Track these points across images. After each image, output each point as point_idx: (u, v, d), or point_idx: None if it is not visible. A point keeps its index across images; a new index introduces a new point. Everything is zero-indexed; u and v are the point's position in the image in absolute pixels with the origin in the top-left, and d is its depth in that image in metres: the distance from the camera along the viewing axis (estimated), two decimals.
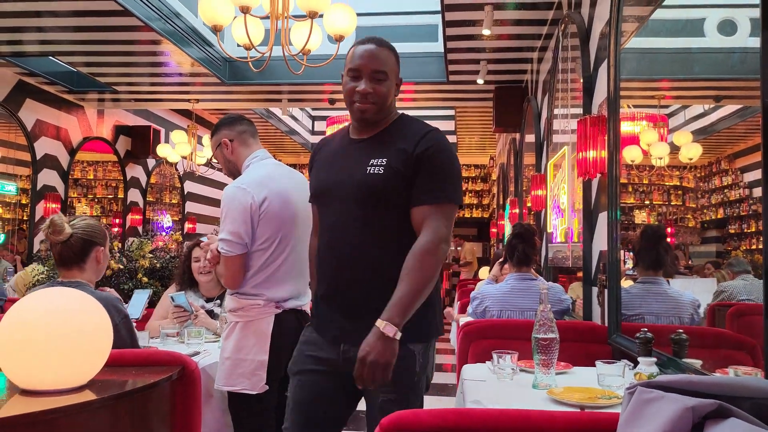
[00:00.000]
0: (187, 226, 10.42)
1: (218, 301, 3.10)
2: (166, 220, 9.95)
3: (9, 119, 6.66)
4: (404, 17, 6.62)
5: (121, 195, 8.80)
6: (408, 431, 1.27)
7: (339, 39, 3.22)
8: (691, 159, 2.27)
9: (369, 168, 1.69)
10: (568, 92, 4.05)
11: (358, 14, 3.45)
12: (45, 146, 7.17)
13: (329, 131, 7.74)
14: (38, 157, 7.03)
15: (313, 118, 12.15)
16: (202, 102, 7.85)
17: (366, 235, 1.69)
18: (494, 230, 10.77)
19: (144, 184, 9.26)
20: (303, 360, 1.79)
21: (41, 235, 2.15)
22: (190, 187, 10.60)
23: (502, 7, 4.61)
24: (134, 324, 2.24)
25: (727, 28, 2.03)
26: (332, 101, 7.44)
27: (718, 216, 2.11)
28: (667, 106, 2.54)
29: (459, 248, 12.39)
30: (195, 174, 9.20)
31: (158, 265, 3.99)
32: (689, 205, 2.35)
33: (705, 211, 2.23)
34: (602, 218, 3.04)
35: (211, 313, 3.01)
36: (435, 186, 1.67)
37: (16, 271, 5.65)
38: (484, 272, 6.77)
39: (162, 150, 8.30)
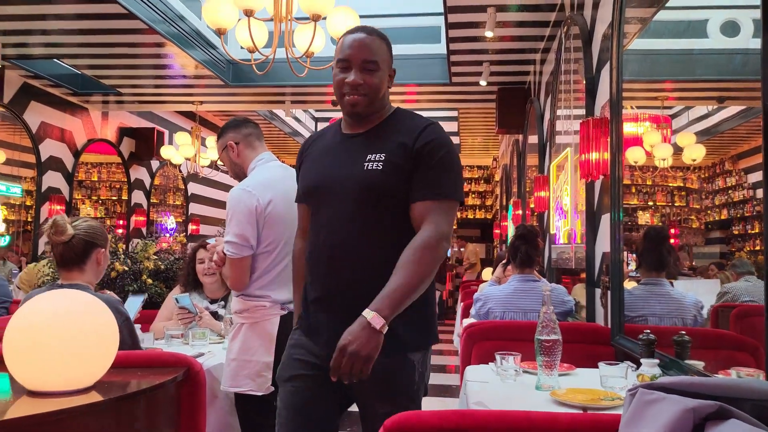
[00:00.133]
0: (191, 227, 10.44)
1: (222, 303, 3.11)
2: (170, 221, 9.97)
3: (14, 121, 6.69)
4: (407, 19, 6.63)
5: (125, 197, 8.83)
6: None
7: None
8: (694, 160, 2.27)
9: (367, 164, 1.61)
10: (570, 93, 4.06)
11: (361, 16, 3.46)
12: (50, 148, 7.20)
13: None
14: (43, 159, 7.06)
15: (316, 120, 12.17)
16: (206, 104, 7.88)
17: (365, 233, 1.61)
18: (497, 231, 10.77)
19: (148, 186, 9.29)
20: (293, 365, 1.70)
21: (46, 236, 2.16)
22: (193, 188, 10.62)
23: (504, 9, 4.62)
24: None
25: (730, 29, 2.04)
26: (335, 103, 7.44)
27: (722, 217, 2.12)
28: (670, 107, 2.54)
29: (462, 249, 12.38)
30: (199, 176, 9.23)
31: (163, 267, 4.01)
32: (693, 206, 2.35)
33: (709, 212, 2.23)
34: (605, 220, 3.04)
35: (215, 315, 3.03)
36: (436, 181, 1.60)
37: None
38: (487, 273, 6.77)
39: (166, 152, 8.33)
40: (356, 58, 1.62)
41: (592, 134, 2.91)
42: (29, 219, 7.09)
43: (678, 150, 2.35)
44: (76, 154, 7.70)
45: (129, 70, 6.34)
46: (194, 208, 10.66)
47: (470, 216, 14.24)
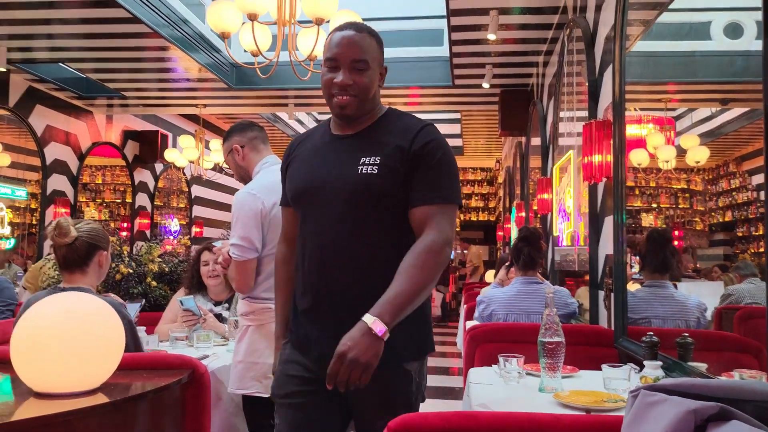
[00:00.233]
0: (195, 230, 10.47)
1: (226, 305, 3.13)
2: (174, 224, 10.00)
3: (19, 125, 6.72)
4: (410, 22, 6.65)
5: (129, 199, 8.86)
6: None
7: None
8: (698, 162, 2.28)
9: (361, 167, 1.54)
10: (573, 95, 4.07)
11: (364, 19, 3.47)
12: (55, 151, 7.23)
13: None
14: (48, 163, 7.10)
15: (319, 123, 12.19)
16: (210, 107, 7.91)
17: (359, 239, 1.54)
18: (500, 234, 10.77)
19: (152, 189, 9.32)
20: (288, 381, 1.61)
21: (49, 238, 2.18)
22: (197, 191, 10.65)
23: (507, 12, 4.63)
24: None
25: (734, 31, 2.04)
26: None
27: (726, 219, 2.12)
28: (674, 109, 2.54)
29: (465, 252, 12.38)
30: (202, 178, 9.26)
31: (167, 270, 4.03)
32: (697, 208, 2.35)
33: (713, 214, 2.23)
34: (608, 222, 3.05)
35: (219, 317, 3.04)
36: (436, 185, 1.54)
37: None
38: (490, 276, 6.77)
39: (170, 154, 8.36)
40: (345, 57, 1.55)
41: (595, 137, 2.92)
42: (34, 222, 7.12)
43: (682, 152, 2.35)
44: (81, 157, 7.73)
45: (133, 73, 6.37)
46: (198, 211, 10.69)
47: (473, 218, 14.24)
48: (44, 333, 1.45)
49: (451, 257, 12.49)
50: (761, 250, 1.88)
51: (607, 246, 3.07)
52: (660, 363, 1.90)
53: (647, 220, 2.76)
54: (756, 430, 0.80)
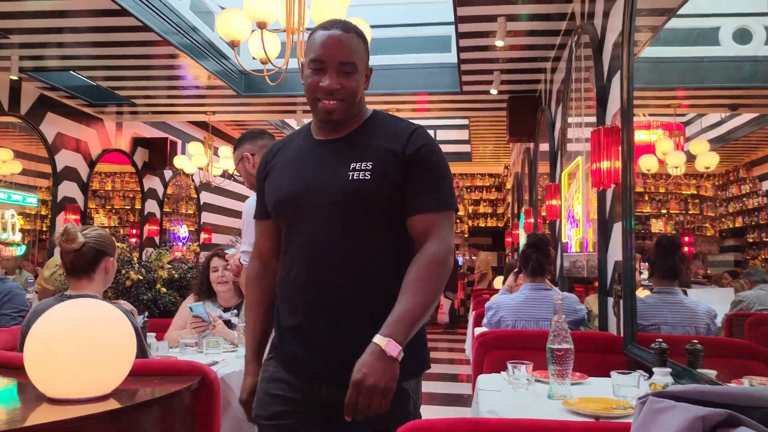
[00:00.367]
0: (203, 236, 10.51)
1: (235, 311, 3.14)
2: (183, 230, 10.05)
3: (31, 132, 6.79)
4: (418, 29, 6.67)
5: (138, 206, 8.91)
6: None
7: None
8: (707, 168, 2.27)
9: (352, 173, 1.45)
10: (581, 101, 4.07)
11: (372, 26, 3.49)
12: (65, 159, 7.30)
13: None
14: (59, 170, 7.16)
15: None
16: (219, 114, 7.96)
17: (354, 249, 1.44)
18: (509, 240, 10.75)
19: (161, 195, 9.38)
20: (272, 401, 1.50)
21: (57, 245, 2.20)
22: (206, 197, 10.71)
23: (515, 19, 4.64)
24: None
25: (743, 36, 2.04)
26: None
27: (736, 225, 2.11)
28: (683, 115, 2.54)
29: (473, 258, 12.36)
30: (211, 185, 9.30)
31: (176, 276, 4.05)
32: (707, 213, 2.34)
33: (723, 219, 2.23)
34: (617, 228, 3.04)
35: (228, 323, 3.06)
36: (434, 191, 1.47)
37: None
38: (498, 282, 6.76)
39: (179, 161, 8.41)
40: (332, 60, 1.45)
41: (603, 143, 2.92)
42: (44, 228, 7.18)
43: (691, 158, 2.35)
44: (91, 164, 7.80)
45: (143, 81, 6.43)
46: (206, 217, 10.74)
47: (481, 224, 14.22)
48: (57, 339, 1.47)
49: (460, 263, 12.52)
50: None
51: (616, 252, 3.06)
52: (669, 370, 1.89)
53: (657, 226, 2.75)
54: None
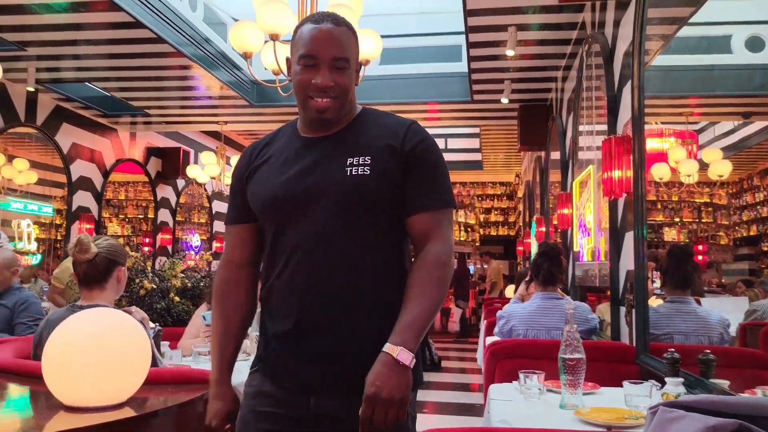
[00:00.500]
0: (215, 245, 10.58)
1: None
2: (195, 239, 10.12)
3: (46, 143, 6.89)
4: (428, 38, 6.71)
5: (151, 215, 9.00)
6: None
7: (365, 63, 3.29)
8: (721, 176, 2.26)
9: (350, 168, 1.37)
10: (593, 110, 4.07)
11: (383, 36, 3.52)
12: (80, 168, 7.39)
13: None
14: (74, 179, 7.25)
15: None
16: (231, 124, 8.03)
17: (353, 251, 1.36)
18: (520, 248, 10.72)
19: (174, 205, 9.46)
20: (259, 419, 1.40)
21: (70, 255, 2.22)
22: (218, 206, 10.78)
23: (525, 28, 4.66)
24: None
25: (754, 44, 2.04)
26: None
27: (751, 233, 2.10)
28: (695, 123, 2.53)
29: (485, 266, 12.33)
30: (223, 194, 9.37)
31: (189, 285, 4.08)
32: (721, 222, 2.33)
33: (736, 228, 2.22)
34: (629, 237, 3.03)
35: None
36: (434, 188, 1.41)
37: None
38: (510, 291, 6.74)
39: (191, 171, 8.49)
40: (325, 55, 1.37)
41: (615, 152, 2.92)
42: (59, 237, 7.27)
43: (704, 166, 2.34)
44: (105, 174, 7.89)
45: (156, 91, 6.51)
46: (219, 226, 10.81)
47: (493, 233, 14.20)
48: (75, 349, 1.49)
49: (471, 272, 12.49)
50: None
51: (628, 261, 3.05)
52: (681, 380, 1.88)
53: (670, 235, 2.74)
54: None
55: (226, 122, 7.86)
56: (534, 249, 7.47)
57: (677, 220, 2.64)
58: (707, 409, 0.88)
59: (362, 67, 3.64)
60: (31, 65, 5.71)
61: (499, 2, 4.25)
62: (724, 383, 1.91)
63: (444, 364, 7.53)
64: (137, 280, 3.74)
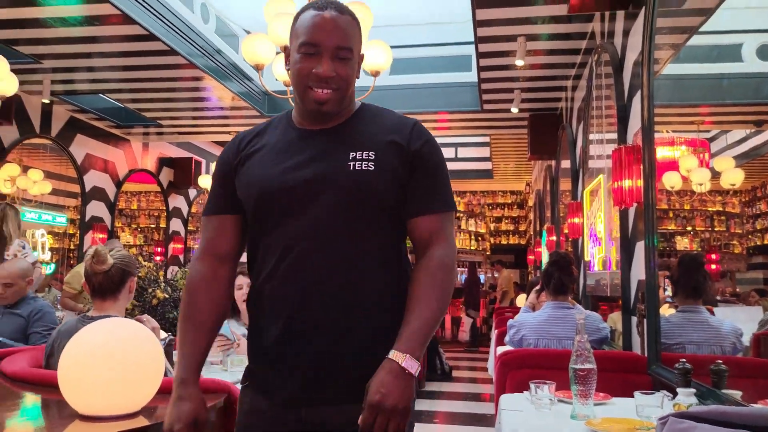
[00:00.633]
0: None
1: None
2: None
3: (61, 153, 6.98)
4: (438, 48, 6.74)
5: (163, 224, 9.06)
6: None
7: (375, 74, 3.32)
8: (733, 184, 2.26)
9: (352, 163, 1.30)
10: (603, 119, 4.07)
11: (393, 47, 3.55)
12: (93, 179, 7.47)
13: None
14: (87, 190, 7.32)
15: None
16: None
17: (353, 249, 1.29)
18: (531, 257, 10.69)
19: (185, 214, 9.52)
20: None
21: (87, 266, 2.24)
22: None
23: (535, 38, 4.67)
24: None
25: (766, 53, 2.04)
26: None
27: (765, 242, 2.09)
28: (707, 131, 2.53)
29: (496, 275, 12.29)
30: None
31: None
32: (734, 230, 2.32)
33: (749, 236, 2.21)
34: (640, 247, 3.03)
35: None
36: (438, 191, 1.36)
37: None
38: (521, 300, 6.72)
39: (203, 181, 8.55)
40: (328, 44, 1.30)
41: (625, 161, 2.92)
42: (72, 247, 7.33)
43: (716, 174, 2.34)
44: (118, 184, 7.97)
45: (169, 102, 6.58)
46: None
47: (503, 241, 14.16)
48: (90, 359, 1.51)
49: (482, 281, 12.45)
50: None
51: (639, 271, 3.04)
52: (693, 390, 1.87)
53: (682, 244, 2.73)
54: None
55: (237, 132, 7.90)
56: (545, 258, 7.45)
57: (689, 229, 2.63)
58: (717, 420, 0.88)
59: (373, 77, 3.69)
60: (47, 77, 5.80)
61: (508, 13, 4.27)
62: (737, 394, 1.90)
63: (455, 373, 7.51)
64: (150, 290, 3.77)
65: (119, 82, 5.97)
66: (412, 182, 1.34)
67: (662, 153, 2.74)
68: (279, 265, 1.30)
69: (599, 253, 4.19)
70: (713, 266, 2.46)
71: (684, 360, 2.00)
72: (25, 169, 6.62)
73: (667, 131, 2.79)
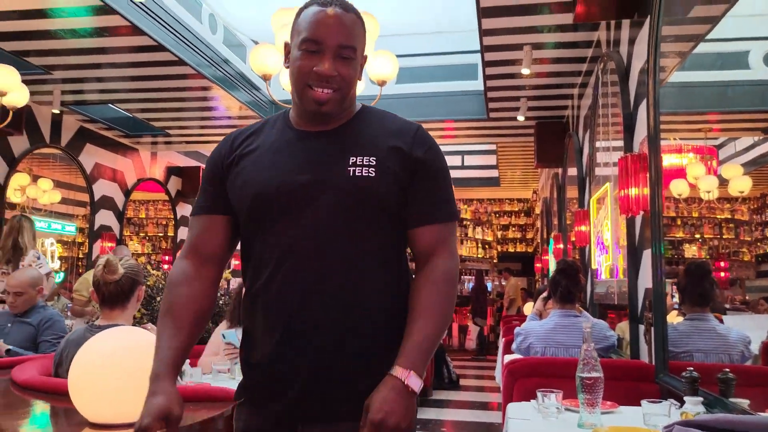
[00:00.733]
0: (234, 263, 10.64)
1: None
2: None
3: (70, 163, 7.04)
4: (444, 57, 6.77)
5: (171, 233, 9.10)
6: None
7: (381, 84, 3.34)
8: (741, 192, 2.26)
9: (352, 168, 1.25)
10: (609, 126, 4.07)
11: (399, 56, 3.57)
12: (102, 188, 7.52)
13: None
14: (96, 199, 7.38)
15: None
16: None
17: (353, 250, 1.25)
18: (539, 265, 10.66)
19: None
20: None
21: (99, 276, 2.26)
22: None
23: (541, 47, 4.69)
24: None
25: None
26: None
27: None
28: (716, 138, 2.53)
29: (504, 282, 12.26)
30: None
31: None
32: (744, 238, 2.32)
33: (759, 244, 2.20)
34: (647, 255, 3.02)
35: None
36: (441, 200, 1.31)
37: None
38: (528, 308, 6.71)
39: None
40: (331, 41, 1.25)
41: (631, 170, 2.92)
42: (80, 256, 7.38)
43: (724, 181, 2.34)
44: (127, 193, 8.02)
45: (177, 112, 6.64)
46: (238, 245, 10.89)
47: (510, 249, 14.13)
48: (100, 367, 1.53)
49: (489, 289, 12.43)
50: None
51: (646, 279, 3.04)
52: (701, 399, 1.87)
53: (690, 252, 2.72)
54: None
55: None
56: (552, 266, 7.43)
57: (698, 236, 2.63)
58: (723, 429, 0.89)
59: (379, 87, 3.72)
60: (57, 88, 5.86)
61: (514, 22, 4.29)
62: (744, 402, 1.90)
63: (462, 382, 7.49)
64: (158, 298, 3.79)
65: (128, 92, 6.02)
66: (414, 190, 1.29)
67: (670, 160, 2.74)
68: (276, 271, 1.25)
69: (606, 261, 4.18)
70: (722, 274, 2.45)
71: (691, 368, 2.00)
72: (35, 178, 6.68)
73: (675, 139, 2.79)
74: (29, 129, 6.28)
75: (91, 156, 7.29)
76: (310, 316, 1.23)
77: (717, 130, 2.59)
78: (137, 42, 4.72)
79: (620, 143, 3.52)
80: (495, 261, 13.80)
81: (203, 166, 8.00)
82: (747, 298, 2.33)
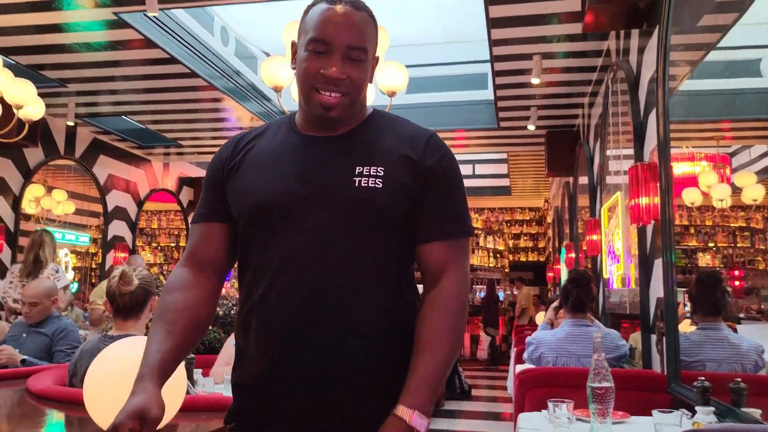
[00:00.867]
0: None
1: None
2: None
3: (84, 174, 7.12)
4: (454, 67, 6.79)
5: (183, 243, 9.17)
6: None
7: (391, 95, 3.36)
8: (755, 200, 2.25)
9: (358, 179, 1.17)
10: (619, 135, 4.07)
11: (410, 66, 3.59)
12: (116, 199, 7.60)
13: None
14: (109, 209, 7.46)
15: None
16: None
17: (354, 273, 1.16)
18: (551, 274, 10.61)
19: None
20: None
21: (114, 287, 2.28)
22: None
23: (550, 56, 4.70)
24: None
25: None
26: None
27: None
28: (728, 146, 2.52)
29: (516, 291, 12.21)
30: None
31: (220, 313, 4.14)
32: (759, 246, 2.31)
33: None
34: (658, 264, 3.01)
35: None
36: (454, 214, 1.22)
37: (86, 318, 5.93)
38: (540, 317, 6.68)
39: None
40: (340, 42, 1.17)
41: (641, 179, 2.91)
42: (93, 266, 7.45)
43: (737, 189, 2.33)
44: (139, 203, 8.09)
45: (189, 123, 6.71)
46: None
47: (522, 258, 14.08)
48: (115, 376, 1.54)
49: (501, 298, 12.36)
50: None
51: (657, 289, 3.02)
52: (712, 409, 1.86)
53: (704, 260, 2.71)
54: None
55: None
56: (564, 275, 7.40)
57: (711, 245, 2.62)
58: None
59: (389, 98, 3.73)
60: (71, 101, 5.95)
61: (523, 32, 4.30)
62: (756, 412, 1.88)
63: (474, 392, 7.45)
64: None
65: (141, 104, 6.10)
66: (425, 202, 1.20)
67: (682, 168, 2.73)
68: (275, 281, 1.17)
69: (618, 271, 4.17)
70: (737, 283, 2.44)
71: (703, 378, 1.99)
72: (50, 189, 6.76)
73: (687, 147, 2.78)
74: (44, 141, 6.37)
75: (104, 167, 7.37)
76: (310, 315, 1.15)
77: (729, 138, 2.58)
78: (150, 55, 4.79)
79: (631, 152, 3.52)
80: (506, 270, 13.75)
81: None
82: (762, 307, 2.31)
